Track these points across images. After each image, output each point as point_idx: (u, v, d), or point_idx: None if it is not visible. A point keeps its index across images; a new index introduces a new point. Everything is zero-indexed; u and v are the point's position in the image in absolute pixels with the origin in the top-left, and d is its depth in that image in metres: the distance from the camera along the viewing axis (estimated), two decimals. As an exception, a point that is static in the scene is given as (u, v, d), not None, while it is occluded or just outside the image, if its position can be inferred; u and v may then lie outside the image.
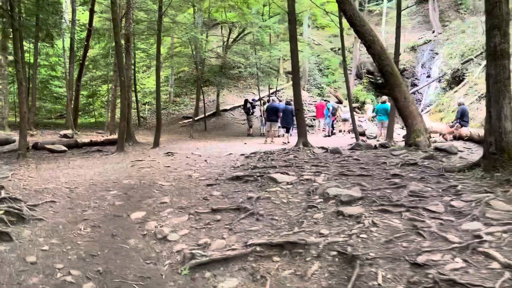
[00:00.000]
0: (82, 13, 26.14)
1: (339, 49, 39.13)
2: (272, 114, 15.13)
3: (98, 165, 9.12)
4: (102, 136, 15.40)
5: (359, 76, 37.66)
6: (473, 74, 29.20)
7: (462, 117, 13.07)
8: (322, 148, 9.08)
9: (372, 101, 28.34)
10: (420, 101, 33.42)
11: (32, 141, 12.85)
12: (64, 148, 12.11)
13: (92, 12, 18.03)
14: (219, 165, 8.53)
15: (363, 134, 16.71)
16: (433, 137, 14.61)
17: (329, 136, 18.13)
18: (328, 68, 37.64)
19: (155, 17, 17.47)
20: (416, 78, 36.58)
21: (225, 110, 24.87)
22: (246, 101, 19.30)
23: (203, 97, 20.91)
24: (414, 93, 34.20)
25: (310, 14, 21.77)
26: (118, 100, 20.59)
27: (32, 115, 17.23)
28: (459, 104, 13.67)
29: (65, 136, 15.13)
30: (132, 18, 14.64)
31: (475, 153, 9.81)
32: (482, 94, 26.42)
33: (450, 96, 29.20)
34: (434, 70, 35.42)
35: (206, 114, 22.67)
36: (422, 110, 27.50)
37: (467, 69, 30.66)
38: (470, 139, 11.97)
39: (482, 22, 33.86)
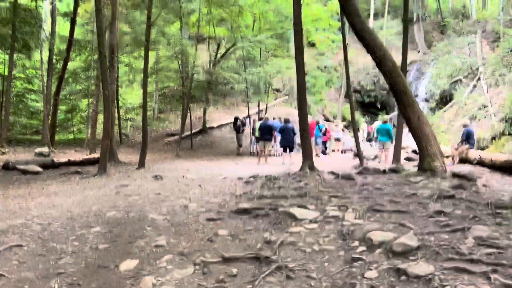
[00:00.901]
0: (63, 25, 24.95)
1: (325, 67, 38.90)
2: (266, 133, 14.20)
3: (77, 191, 7.97)
4: (82, 155, 14.18)
5: (345, 95, 37.42)
6: (462, 95, 29.00)
7: (468, 139, 12.38)
8: (332, 173, 8.17)
9: (365, 121, 27.57)
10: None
11: (3, 160, 11.60)
12: (38, 169, 10.89)
13: (73, 21, 16.96)
14: (216, 192, 7.51)
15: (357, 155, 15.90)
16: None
17: (319, 156, 17.24)
18: (315, 87, 37.23)
19: (141, 29, 16.52)
20: (402, 98, 36.31)
21: (212, 128, 23.86)
22: (236, 118, 18.35)
23: (190, 114, 19.89)
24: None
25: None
26: (99, 116, 19.39)
27: (4, 131, 15.89)
28: (464, 126, 13.00)
29: (40, 154, 13.88)
30: (117, 29, 13.63)
31: (494, 179, 9.05)
32: (473, 115, 26.15)
33: (439, 116, 28.86)
34: (421, 90, 35.30)
35: (192, 132, 21.60)
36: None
37: (455, 89, 30.52)
38: (480, 163, 11.24)
39: (468, 43, 34.08)
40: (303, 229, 4.42)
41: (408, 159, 13.88)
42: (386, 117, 14.60)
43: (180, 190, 7.80)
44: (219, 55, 21.49)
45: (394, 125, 33.70)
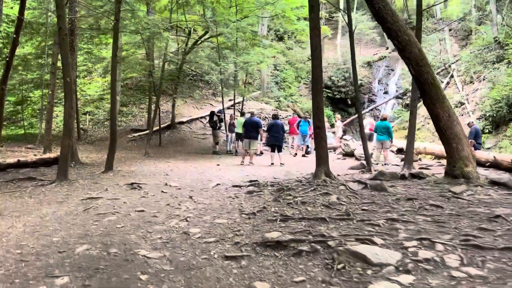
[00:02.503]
0: (12, 8, 22.09)
1: (295, 62, 37.73)
2: (251, 130, 12.56)
3: (31, 208, 6.02)
4: (35, 155, 11.97)
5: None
6: (437, 91, 28.50)
7: (476, 138, 11.31)
8: (359, 182, 6.67)
9: (341, 117, 26.15)
10: (378, 117, 32.44)
11: None
12: (-22, 173, 8.77)
13: (24, -2, 14.47)
14: (216, 208, 5.84)
15: (351, 154, 14.58)
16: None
17: (306, 155, 15.76)
18: (285, 81, 36.19)
19: (106, 7, 14.37)
20: (373, 94, 35.85)
21: (182, 123, 21.91)
22: (212, 113, 16.55)
23: (158, 107, 17.87)
24: (372, 109, 33.48)
25: (279, 17, 19.38)
26: (56, 109, 17.11)
27: None
28: (470, 125, 11.91)
29: (-17, 153, 11.59)
30: (77, 6, 11.54)
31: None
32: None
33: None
34: (391, 86, 34.86)
35: (159, 127, 19.53)
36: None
37: (428, 86, 30.04)
38: (494, 165, 10.16)
39: (439, 39, 33.84)
40: (397, 286, 2.86)
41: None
42: (386, 113, 13.33)
43: (169, 205, 6.06)
44: (190, 43, 19.53)
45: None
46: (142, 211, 5.65)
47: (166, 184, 7.78)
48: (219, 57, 17.29)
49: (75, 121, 17.80)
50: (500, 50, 25.05)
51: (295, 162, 13.59)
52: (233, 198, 6.49)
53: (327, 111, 33.71)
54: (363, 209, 4.91)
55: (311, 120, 16.97)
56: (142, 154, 15.58)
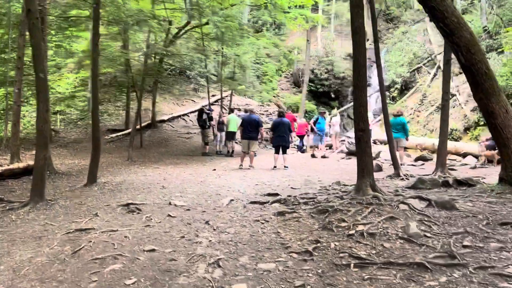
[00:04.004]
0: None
1: (273, 55, 36.48)
2: (251, 129, 11.18)
3: (-3, 251, 4.47)
4: (0, 165, 10.19)
5: (296, 84, 35.61)
6: (425, 83, 27.81)
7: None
8: (420, 198, 5.36)
9: (330, 112, 24.74)
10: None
11: None
12: None
13: (-18, -16, 12.62)
14: (247, 240, 4.48)
15: (354, 153, 13.41)
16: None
17: (314, 156, 14.40)
18: (266, 75, 34.95)
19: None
20: (356, 87, 34.91)
21: (163, 121, 20.28)
22: (201, 111, 15.01)
23: (139, 105, 16.18)
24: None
25: (269, 5, 17.86)
26: (24, 108, 15.32)
27: None
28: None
29: None
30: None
31: None
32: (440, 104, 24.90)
33: (403, 106, 27.46)
34: (374, 79, 34.06)
35: (139, 126, 17.84)
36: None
37: (414, 77, 29.47)
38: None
39: (423, 30, 33.24)
40: None
41: (423, 158, 11.67)
42: (399, 108, 12.22)
43: (184, 238, 4.63)
44: (171, 35, 17.88)
45: (349, 117, 32.01)
46: (153, 250, 4.20)
47: (170, 204, 6.28)
48: (203, 49, 15.77)
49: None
50: (490, 40, 24.45)
51: (299, 164, 12.32)
52: (262, 223, 5.12)
53: (311, 105, 32.62)
54: (464, 246, 3.63)
55: (298, 115, 15.73)
56: (124, 158, 13.98)
